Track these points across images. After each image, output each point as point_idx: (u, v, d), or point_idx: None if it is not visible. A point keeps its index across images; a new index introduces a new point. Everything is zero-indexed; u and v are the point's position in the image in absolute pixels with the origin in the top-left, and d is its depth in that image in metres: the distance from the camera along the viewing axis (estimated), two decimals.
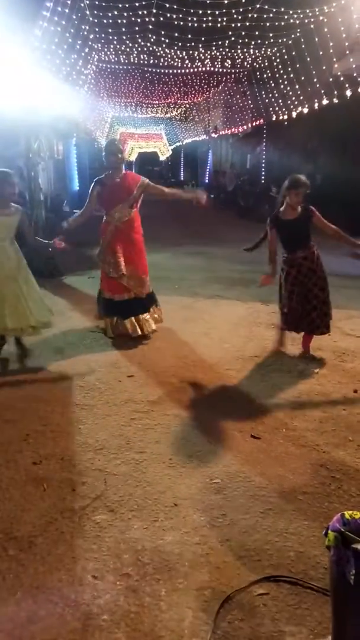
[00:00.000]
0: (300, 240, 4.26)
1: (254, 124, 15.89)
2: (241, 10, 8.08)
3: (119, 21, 8.77)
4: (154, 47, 10.77)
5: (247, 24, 8.90)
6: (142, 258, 4.83)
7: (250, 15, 8.38)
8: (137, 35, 9.79)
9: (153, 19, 8.58)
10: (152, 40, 10.03)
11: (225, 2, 7.70)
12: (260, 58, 12.53)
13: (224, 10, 8.08)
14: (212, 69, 13.75)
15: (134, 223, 4.74)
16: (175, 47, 10.79)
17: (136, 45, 10.70)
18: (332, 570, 1.60)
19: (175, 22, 8.73)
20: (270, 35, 9.85)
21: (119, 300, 4.79)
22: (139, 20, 8.64)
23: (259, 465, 2.90)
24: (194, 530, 2.38)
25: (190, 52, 11.39)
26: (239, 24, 8.95)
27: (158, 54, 11.41)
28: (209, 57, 12.14)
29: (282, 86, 12.22)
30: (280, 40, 10.58)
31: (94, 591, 2.04)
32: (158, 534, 2.36)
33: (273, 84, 12.82)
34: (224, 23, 8.81)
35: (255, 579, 2.10)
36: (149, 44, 10.43)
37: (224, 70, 14.19)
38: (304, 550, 2.26)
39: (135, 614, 1.94)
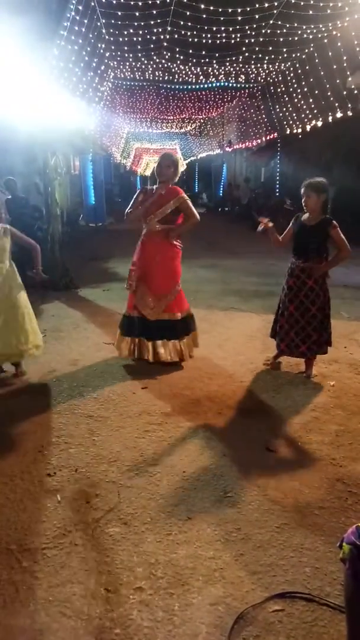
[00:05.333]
0: (307, 249, 4.06)
1: (268, 138, 16.00)
2: (255, 26, 8.20)
3: (135, 39, 8.96)
4: (169, 64, 10.96)
5: (261, 39, 9.03)
6: (164, 277, 4.49)
7: (264, 31, 8.51)
8: (152, 53, 9.99)
9: (168, 37, 8.75)
10: (167, 57, 10.22)
11: (239, 18, 7.81)
12: (274, 73, 12.67)
13: (238, 27, 8.21)
14: (226, 84, 13.93)
15: (163, 238, 4.44)
16: (190, 64, 10.97)
17: (151, 62, 10.92)
18: (347, 584, 1.57)
19: (190, 39, 8.89)
20: (284, 50, 9.98)
21: (134, 316, 4.55)
22: (154, 37, 8.83)
23: (273, 478, 2.87)
24: (207, 545, 2.35)
25: (205, 68, 11.57)
26: (252, 40, 9.08)
27: (173, 70, 11.61)
28: (223, 72, 12.31)
29: (295, 100, 12.33)
30: (293, 55, 10.70)
31: (107, 604, 2.03)
32: (172, 547, 2.33)
33: (287, 98, 12.94)
34: (238, 39, 8.95)
35: (270, 594, 2.06)
36: (163, 61, 10.62)
37: (238, 85, 14.37)
38: (320, 566, 2.22)
39: (148, 629, 1.92)
